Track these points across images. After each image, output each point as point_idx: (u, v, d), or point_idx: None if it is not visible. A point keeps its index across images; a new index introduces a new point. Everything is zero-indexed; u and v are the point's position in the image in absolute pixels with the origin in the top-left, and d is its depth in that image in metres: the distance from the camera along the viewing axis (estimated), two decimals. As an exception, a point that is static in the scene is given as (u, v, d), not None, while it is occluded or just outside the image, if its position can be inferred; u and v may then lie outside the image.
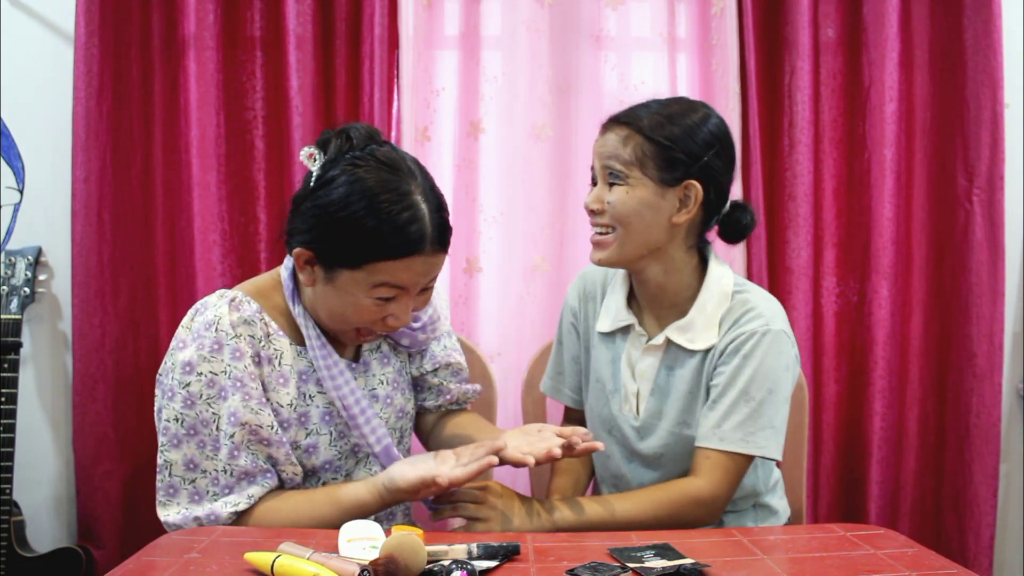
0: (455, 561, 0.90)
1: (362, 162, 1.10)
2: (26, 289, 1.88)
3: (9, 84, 1.94)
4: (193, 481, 1.13)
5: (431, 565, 0.89)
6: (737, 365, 1.21)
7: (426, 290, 1.17)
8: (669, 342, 1.27)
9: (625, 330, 1.33)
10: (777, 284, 1.95)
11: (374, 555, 0.89)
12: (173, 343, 1.16)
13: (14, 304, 1.86)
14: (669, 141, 1.20)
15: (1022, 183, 2.00)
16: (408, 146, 1.89)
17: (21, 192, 1.95)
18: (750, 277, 1.92)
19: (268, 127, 1.93)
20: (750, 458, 1.22)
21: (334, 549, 0.96)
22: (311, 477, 1.21)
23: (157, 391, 1.16)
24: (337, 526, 1.07)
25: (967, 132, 1.94)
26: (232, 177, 1.93)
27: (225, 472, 1.12)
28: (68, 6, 1.86)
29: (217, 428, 1.12)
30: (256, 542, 0.99)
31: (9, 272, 1.88)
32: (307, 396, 1.20)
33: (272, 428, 1.14)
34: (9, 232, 1.94)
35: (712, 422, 1.21)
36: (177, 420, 1.12)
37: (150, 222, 1.94)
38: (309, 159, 1.13)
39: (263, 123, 1.93)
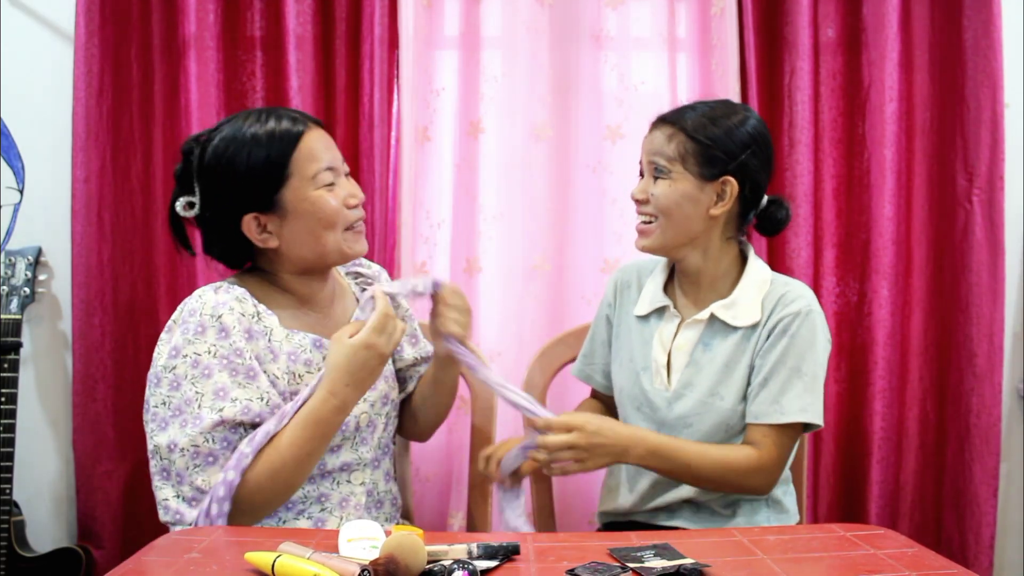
0: (455, 561, 0.90)
1: (212, 135, 1.22)
2: (26, 289, 1.88)
3: (9, 84, 1.94)
4: (173, 462, 1.14)
5: (431, 565, 0.89)
6: (786, 345, 1.31)
7: (348, 176, 1.27)
8: (713, 318, 1.36)
9: (659, 312, 1.42)
10: (777, 284, 1.95)
11: (374, 555, 0.89)
12: (163, 337, 1.21)
13: (14, 304, 1.86)
14: (709, 140, 1.31)
15: (1022, 183, 2.00)
16: (408, 146, 1.89)
17: (21, 192, 1.95)
18: (750, 277, 1.93)
19: (268, 127, 1.93)
20: (800, 430, 1.33)
21: (334, 549, 0.96)
22: None
23: (148, 387, 1.19)
24: (313, 446, 1.15)
25: (967, 132, 1.93)
26: (232, 177, 1.93)
27: (205, 443, 1.14)
28: (68, 6, 1.86)
29: (199, 406, 1.14)
30: (256, 542, 0.99)
31: (9, 272, 1.88)
32: (297, 375, 1.23)
33: (264, 401, 1.17)
34: (9, 232, 1.94)
35: (769, 398, 1.31)
36: (164, 404, 1.15)
37: (150, 222, 1.94)
38: (186, 208, 1.23)
39: (263, 123, 1.93)
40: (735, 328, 1.35)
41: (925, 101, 1.97)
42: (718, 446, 1.33)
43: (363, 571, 0.85)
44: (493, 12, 1.95)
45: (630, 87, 1.95)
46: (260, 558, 0.90)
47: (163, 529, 1.13)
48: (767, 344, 1.32)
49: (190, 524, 1.12)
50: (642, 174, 1.38)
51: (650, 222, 1.35)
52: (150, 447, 1.16)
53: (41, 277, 1.92)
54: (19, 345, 1.85)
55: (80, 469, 1.93)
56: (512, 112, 1.94)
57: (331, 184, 1.22)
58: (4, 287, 1.87)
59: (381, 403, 1.33)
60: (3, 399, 1.81)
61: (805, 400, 1.30)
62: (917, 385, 2.00)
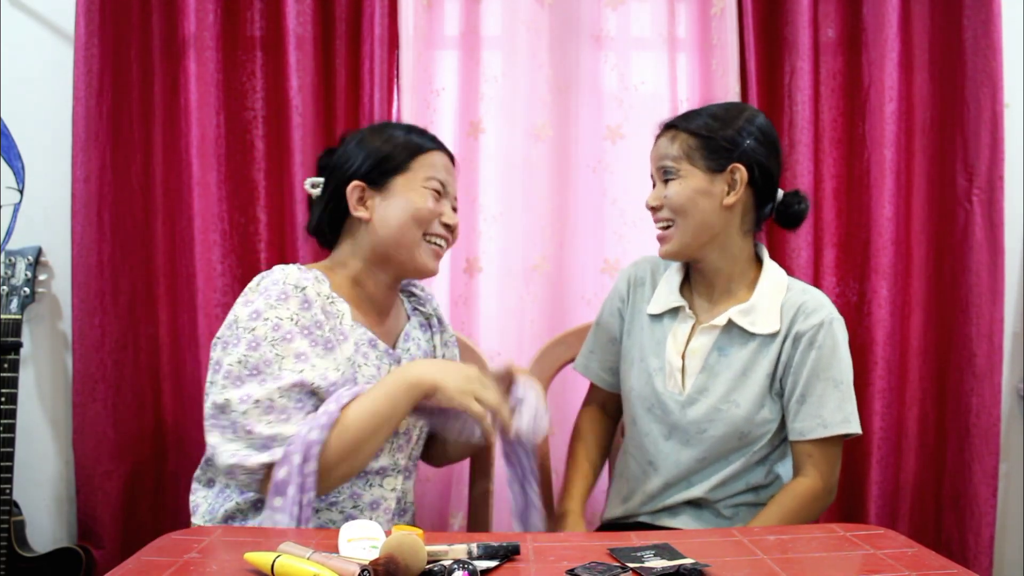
0: (455, 561, 0.90)
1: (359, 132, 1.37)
2: (26, 289, 1.88)
3: (9, 84, 1.94)
4: (245, 414, 1.15)
5: (431, 565, 0.89)
6: (815, 357, 1.31)
7: (455, 204, 1.37)
8: (730, 323, 1.35)
9: (674, 312, 1.42)
10: (777, 284, 1.95)
11: (374, 555, 0.89)
12: (238, 304, 1.23)
13: (14, 304, 1.86)
14: (710, 133, 1.33)
15: (1022, 183, 2.00)
16: (408, 146, 1.89)
17: (21, 192, 1.95)
18: (750, 277, 1.93)
19: (268, 127, 1.93)
20: (842, 439, 1.35)
21: (334, 549, 0.96)
22: None
23: (216, 350, 1.21)
24: (377, 431, 1.18)
25: (967, 132, 1.93)
26: (232, 177, 1.93)
27: (281, 399, 1.16)
28: (68, 6, 1.86)
29: (279, 368, 1.17)
30: (256, 542, 0.99)
31: (9, 272, 1.88)
32: (356, 364, 1.26)
33: (340, 372, 1.22)
34: (9, 232, 1.94)
35: (811, 413, 1.31)
36: (240, 363, 1.17)
37: (150, 222, 1.94)
38: (313, 187, 1.36)
39: (263, 123, 1.93)
40: (752, 335, 1.34)
41: (925, 101, 1.97)
42: (778, 503, 1.32)
43: (363, 571, 0.85)
44: (493, 12, 1.95)
45: (630, 87, 1.95)
46: (260, 558, 0.90)
47: (163, 529, 1.13)
48: (795, 358, 1.32)
49: (254, 468, 1.13)
50: (655, 185, 1.39)
51: (668, 227, 1.36)
52: (216, 402, 1.16)
53: (41, 277, 1.92)
54: (19, 345, 1.85)
55: (80, 469, 1.93)
56: (512, 112, 1.94)
57: (438, 194, 1.32)
58: (4, 287, 1.87)
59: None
60: (3, 399, 1.81)
61: (846, 410, 1.32)
62: (917, 385, 1.99)
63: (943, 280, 1.99)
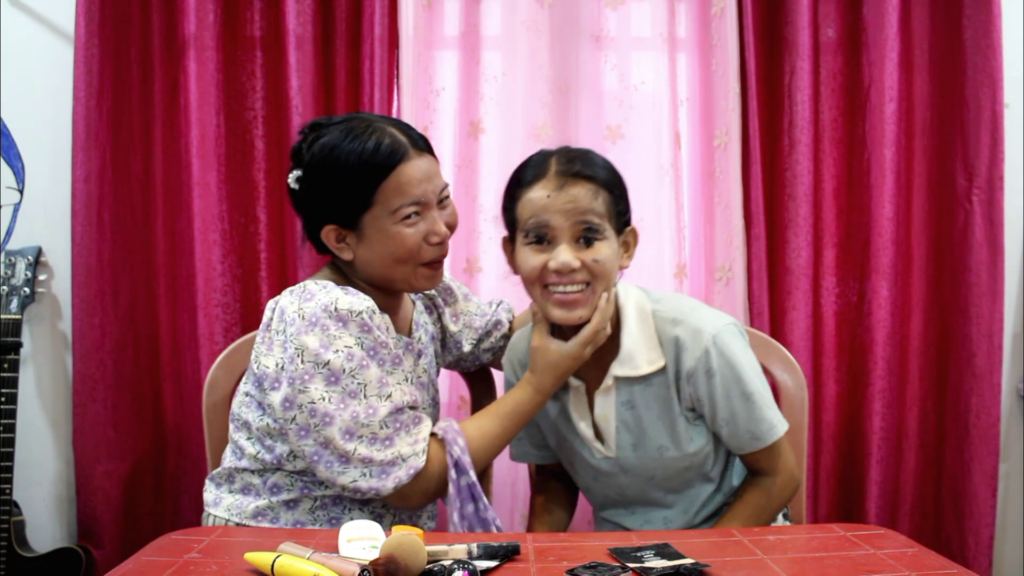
0: (455, 561, 0.90)
1: (323, 131, 1.24)
2: (26, 289, 1.88)
3: (9, 84, 1.94)
4: (354, 451, 1.15)
5: (431, 565, 0.89)
6: (720, 382, 1.23)
7: (444, 202, 1.27)
8: (617, 380, 1.28)
9: (563, 387, 1.32)
10: (777, 284, 1.95)
11: (374, 555, 0.89)
12: (291, 332, 1.16)
13: (14, 304, 1.86)
14: (620, 191, 1.24)
15: (1022, 183, 2.00)
16: (408, 146, 1.89)
17: (21, 192, 1.95)
18: (750, 277, 1.92)
19: (268, 127, 1.93)
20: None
21: (334, 549, 0.96)
22: None
23: (283, 388, 1.16)
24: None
25: (967, 132, 1.94)
26: (232, 177, 1.93)
27: (386, 426, 1.17)
28: (68, 6, 1.86)
29: (365, 396, 1.16)
30: (256, 542, 1.00)
31: (9, 272, 1.88)
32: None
33: (409, 381, 1.24)
34: (9, 232, 1.94)
35: (741, 432, 1.26)
36: (323, 399, 1.15)
37: (150, 222, 1.94)
38: (298, 182, 1.26)
39: (263, 123, 1.93)
40: (645, 377, 1.26)
41: (925, 101, 1.98)
42: (742, 501, 1.30)
43: (363, 571, 0.85)
44: (493, 12, 1.95)
45: (630, 87, 1.95)
46: (260, 558, 0.90)
47: (163, 529, 1.13)
48: (701, 392, 1.25)
49: (388, 491, 1.17)
50: (543, 239, 1.21)
51: (582, 290, 1.21)
52: (316, 445, 1.15)
53: (41, 277, 1.92)
54: (19, 345, 1.84)
55: (80, 469, 1.93)
56: (512, 112, 1.94)
57: (415, 216, 1.21)
58: (4, 287, 1.87)
59: (431, 404, 1.39)
60: (3, 399, 1.81)
61: (767, 417, 1.25)
62: (917, 385, 2.00)
63: (943, 280, 1.99)
